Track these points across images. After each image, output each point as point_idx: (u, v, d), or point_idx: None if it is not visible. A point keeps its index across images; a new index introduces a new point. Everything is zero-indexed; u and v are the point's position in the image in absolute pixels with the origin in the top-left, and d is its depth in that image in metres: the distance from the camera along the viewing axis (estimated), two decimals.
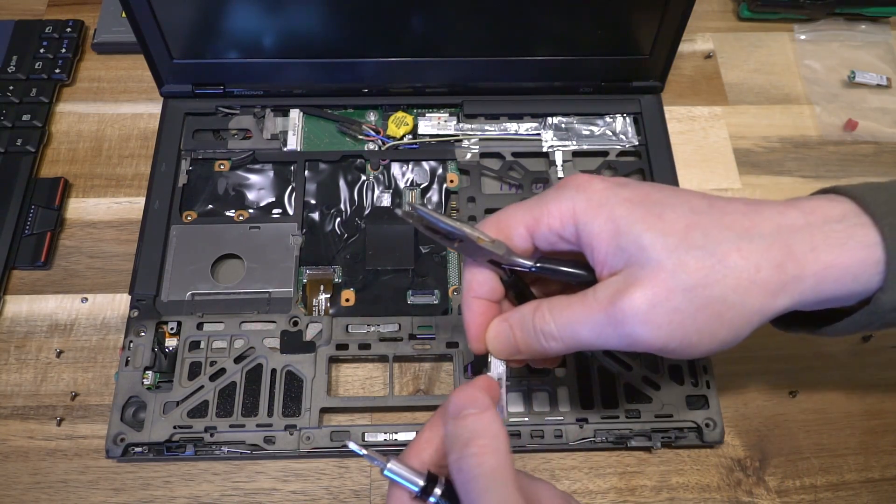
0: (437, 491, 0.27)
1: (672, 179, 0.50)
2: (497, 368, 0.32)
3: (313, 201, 0.49)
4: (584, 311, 0.29)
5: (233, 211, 0.48)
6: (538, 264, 0.31)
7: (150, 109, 0.54)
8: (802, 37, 0.59)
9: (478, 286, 0.32)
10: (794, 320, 0.32)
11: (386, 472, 0.27)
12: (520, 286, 0.33)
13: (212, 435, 0.41)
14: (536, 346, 0.30)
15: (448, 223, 0.30)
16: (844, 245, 0.28)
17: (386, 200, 0.49)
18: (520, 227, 0.31)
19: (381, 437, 0.41)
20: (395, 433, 0.41)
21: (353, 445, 0.28)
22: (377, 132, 0.51)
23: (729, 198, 0.30)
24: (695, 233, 0.28)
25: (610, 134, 0.52)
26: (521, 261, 0.31)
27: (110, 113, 0.54)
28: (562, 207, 0.30)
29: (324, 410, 0.42)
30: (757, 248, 0.28)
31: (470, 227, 0.31)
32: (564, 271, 0.31)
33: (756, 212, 0.29)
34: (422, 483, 0.27)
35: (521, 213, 0.31)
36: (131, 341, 0.43)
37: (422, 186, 0.50)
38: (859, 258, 0.28)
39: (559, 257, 0.32)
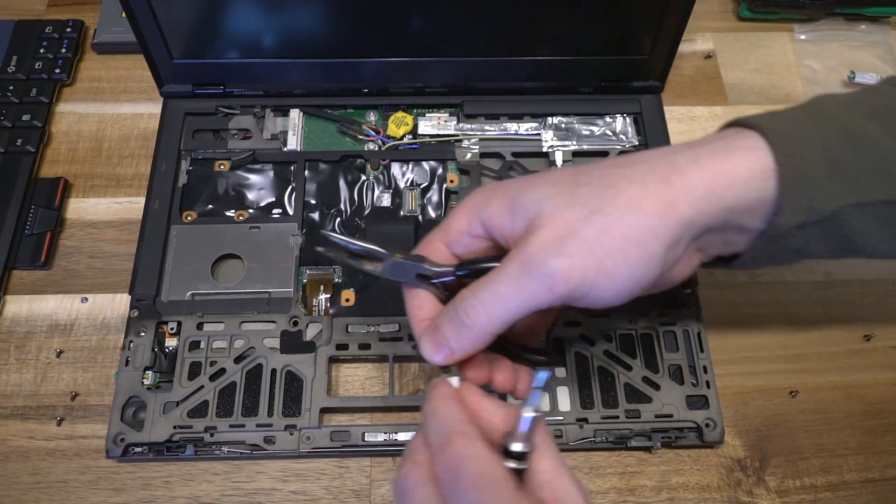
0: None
1: None
2: (452, 380, 0.31)
3: (313, 201, 0.49)
4: (497, 271, 0.29)
5: (233, 211, 0.48)
6: (460, 269, 0.32)
7: (150, 109, 0.54)
8: (802, 37, 0.59)
9: (417, 309, 0.33)
10: (718, 259, 0.34)
11: (525, 417, 0.26)
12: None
13: (212, 435, 0.41)
14: (462, 328, 0.30)
15: (363, 245, 0.32)
16: (726, 153, 0.29)
17: (386, 200, 0.49)
18: (435, 243, 0.33)
19: (381, 437, 0.41)
20: (395, 433, 0.41)
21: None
22: (377, 132, 0.51)
23: (620, 156, 0.32)
24: (582, 177, 0.30)
25: (610, 134, 0.52)
26: (443, 269, 0.32)
27: (110, 113, 0.54)
28: (464, 211, 0.32)
29: (324, 410, 0.42)
30: (640, 169, 0.30)
31: (382, 251, 0.32)
32: (484, 266, 0.31)
33: (642, 151, 0.31)
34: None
35: (435, 231, 0.33)
36: (131, 341, 0.43)
37: (422, 186, 0.50)
38: (745, 164, 0.29)
39: (481, 259, 0.32)
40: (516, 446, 0.26)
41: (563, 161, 0.50)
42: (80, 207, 0.50)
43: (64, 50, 0.55)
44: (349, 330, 0.44)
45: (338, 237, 0.33)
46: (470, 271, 0.32)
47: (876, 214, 0.30)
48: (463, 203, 0.32)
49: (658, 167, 0.29)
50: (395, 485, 0.28)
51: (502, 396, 0.40)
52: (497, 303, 0.29)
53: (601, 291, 0.29)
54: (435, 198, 0.50)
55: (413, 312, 0.33)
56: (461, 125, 0.52)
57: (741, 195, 0.29)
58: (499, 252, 0.31)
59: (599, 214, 0.28)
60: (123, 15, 0.48)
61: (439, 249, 0.33)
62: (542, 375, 0.28)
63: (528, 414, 0.26)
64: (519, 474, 0.27)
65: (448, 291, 0.32)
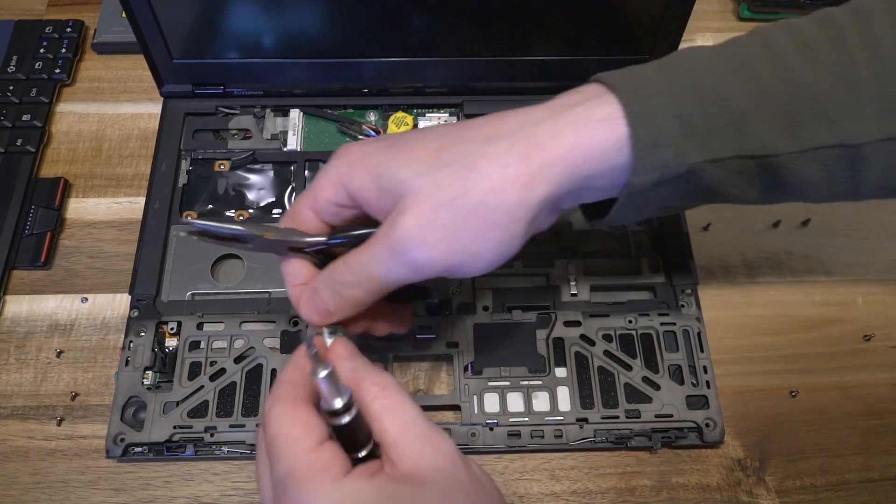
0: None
1: None
2: (325, 335, 0.33)
3: None
4: (369, 251, 0.30)
5: (233, 211, 0.48)
6: (332, 238, 0.33)
7: (150, 109, 0.54)
8: None
9: (292, 276, 0.34)
10: (593, 214, 0.34)
11: (319, 379, 0.26)
12: None
13: (212, 435, 0.41)
14: (340, 298, 0.31)
15: (229, 228, 0.32)
16: (584, 126, 0.30)
17: None
18: (305, 210, 0.33)
19: None
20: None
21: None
22: (377, 132, 0.51)
23: (477, 118, 0.32)
24: (444, 153, 0.30)
25: None
26: (313, 239, 0.33)
27: (110, 113, 0.54)
28: (330, 178, 0.32)
29: None
30: (500, 148, 0.30)
31: (253, 225, 0.32)
32: (356, 234, 0.32)
33: (500, 118, 0.31)
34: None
35: (303, 198, 0.33)
36: (131, 341, 0.43)
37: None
38: (602, 136, 0.30)
39: (354, 225, 0.33)
40: (324, 405, 0.27)
41: None
42: (80, 207, 0.50)
43: (64, 50, 0.55)
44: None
45: (204, 223, 0.32)
46: (342, 240, 0.33)
47: (730, 168, 0.31)
48: (328, 169, 0.32)
49: (518, 144, 0.30)
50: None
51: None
52: (370, 282, 0.31)
53: (468, 270, 0.31)
54: None
55: (288, 280, 0.34)
56: None
57: (598, 165, 0.30)
58: (368, 219, 0.32)
59: (462, 200, 0.29)
60: (123, 15, 0.48)
61: (309, 217, 0.33)
62: (311, 333, 0.28)
63: (321, 375, 0.26)
64: (350, 431, 0.27)
65: (322, 255, 0.33)
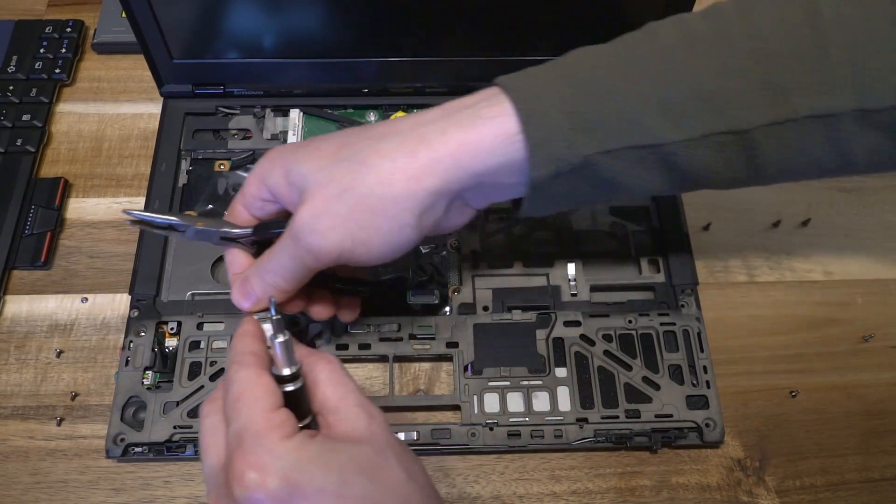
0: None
1: None
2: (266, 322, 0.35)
3: None
4: (280, 242, 0.34)
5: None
6: (256, 231, 0.36)
7: (150, 109, 0.54)
8: None
9: (232, 265, 0.37)
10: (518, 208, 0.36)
11: (276, 343, 0.30)
12: None
13: None
14: (265, 284, 0.35)
15: (164, 218, 0.35)
16: (472, 124, 0.32)
17: None
18: (237, 206, 0.36)
19: None
20: (396, 433, 0.41)
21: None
22: None
23: (390, 121, 0.34)
24: (343, 150, 0.33)
25: None
26: (241, 232, 0.36)
27: (110, 113, 0.54)
28: (254, 177, 0.35)
29: None
30: (391, 145, 0.32)
31: (187, 216, 0.36)
32: (276, 231, 0.35)
33: (400, 120, 0.34)
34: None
35: (237, 196, 0.37)
36: (131, 341, 0.43)
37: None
38: (489, 132, 0.32)
39: (272, 222, 0.36)
40: (276, 371, 0.31)
41: None
42: (80, 207, 0.50)
43: (64, 50, 0.55)
44: (349, 330, 0.44)
45: (140, 213, 0.35)
46: (265, 233, 0.36)
47: (626, 158, 0.33)
48: (255, 167, 0.35)
49: (408, 141, 0.32)
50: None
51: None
52: (284, 269, 0.34)
53: (362, 256, 0.33)
54: None
55: (229, 268, 0.38)
56: None
57: (488, 161, 0.32)
58: (290, 213, 0.34)
59: (351, 192, 0.32)
60: (123, 15, 0.48)
61: (241, 212, 0.36)
62: (272, 318, 0.31)
63: (280, 339, 0.30)
64: (298, 397, 0.31)
65: (257, 247, 0.37)
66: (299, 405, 0.31)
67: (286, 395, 0.30)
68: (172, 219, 0.35)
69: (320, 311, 0.39)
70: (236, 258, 0.37)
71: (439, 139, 0.32)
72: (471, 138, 0.32)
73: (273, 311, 0.31)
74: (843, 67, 0.31)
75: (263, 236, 0.36)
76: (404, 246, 0.33)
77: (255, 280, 0.35)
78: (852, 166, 0.34)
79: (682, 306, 0.45)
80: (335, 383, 0.32)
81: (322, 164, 0.33)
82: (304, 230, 0.32)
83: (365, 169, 0.32)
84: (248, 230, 0.36)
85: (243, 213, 0.36)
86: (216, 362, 0.43)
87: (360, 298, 0.42)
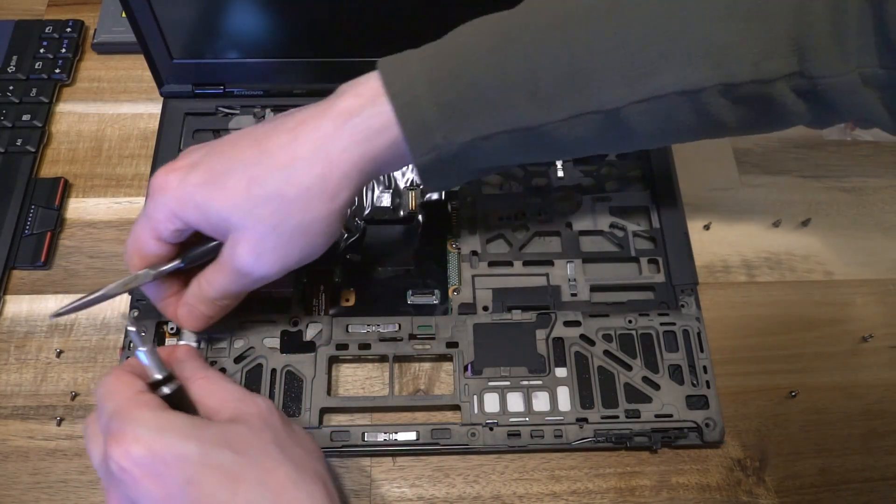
0: (167, 390, 0.33)
1: (672, 179, 0.50)
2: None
3: None
4: (223, 275, 0.36)
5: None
6: (184, 261, 0.38)
7: (150, 109, 0.54)
8: None
9: (156, 295, 0.40)
10: None
11: (138, 353, 0.33)
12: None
13: None
14: (214, 307, 0.38)
15: (95, 296, 0.38)
16: (367, 139, 0.34)
17: (386, 200, 0.49)
18: (147, 239, 0.37)
19: (381, 437, 0.41)
20: (395, 433, 0.41)
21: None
22: None
23: (275, 131, 0.35)
24: (254, 187, 0.34)
25: None
26: (172, 265, 0.38)
27: (110, 113, 0.54)
28: (163, 213, 0.36)
29: (324, 410, 0.42)
30: (301, 173, 0.34)
31: (114, 285, 0.38)
32: (204, 252, 0.38)
33: (295, 140, 0.35)
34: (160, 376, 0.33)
35: (143, 227, 0.37)
36: (131, 341, 0.43)
37: (422, 186, 0.50)
38: (383, 142, 0.34)
39: (200, 248, 0.38)
40: (147, 377, 0.33)
41: (563, 161, 0.50)
42: (80, 207, 0.50)
43: (64, 50, 0.55)
44: (349, 330, 0.44)
45: (68, 307, 0.38)
46: (196, 261, 0.38)
47: (503, 140, 0.35)
48: (159, 203, 0.35)
49: (315, 165, 0.34)
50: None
51: None
52: (232, 294, 0.38)
53: (301, 264, 0.37)
54: (435, 197, 0.49)
55: (155, 299, 0.40)
56: None
57: (388, 159, 0.35)
58: (203, 236, 0.37)
59: (281, 228, 0.34)
60: (123, 15, 0.48)
61: (151, 243, 0.37)
62: (131, 331, 0.33)
63: (141, 349, 0.32)
64: (179, 398, 0.33)
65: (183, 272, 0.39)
66: (183, 407, 0.33)
67: (165, 398, 0.32)
68: (102, 295, 0.38)
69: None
70: (158, 291, 0.40)
71: (343, 157, 0.34)
72: (368, 150, 0.34)
73: (131, 325, 0.36)
74: (704, 43, 0.33)
75: (195, 264, 0.38)
76: (335, 239, 0.37)
77: (204, 306, 0.38)
78: (725, 130, 0.36)
79: (682, 306, 0.45)
80: (210, 392, 0.34)
81: (238, 204, 0.34)
82: (247, 267, 0.35)
83: (286, 204, 0.34)
84: (179, 263, 0.38)
85: (154, 243, 0.37)
86: (216, 362, 0.43)
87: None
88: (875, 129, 0.54)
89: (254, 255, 0.35)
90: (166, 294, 0.40)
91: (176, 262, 0.38)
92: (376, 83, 0.35)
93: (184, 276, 0.39)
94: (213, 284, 0.37)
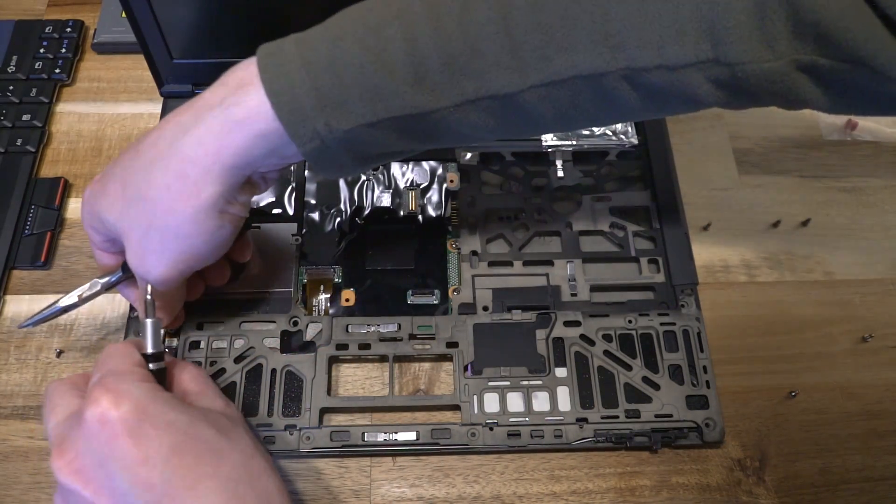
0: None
1: (672, 179, 0.50)
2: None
3: (313, 201, 0.49)
4: (137, 279, 0.37)
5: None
6: (122, 270, 0.39)
7: (150, 109, 0.54)
8: None
9: (129, 298, 0.42)
10: None
11: (146, 321, 0.36)
12: None
13: None
14: (165, 305, 0.40)
15: (51, 311, 0.39)
16: (224, 130, 0.32)
17: (386, 200, 0.49)
18: (95, 251, 0.39)
19: (381, 437, 0.41)
20: (395, 433, 0.41)
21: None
22: None
23: (153, 129, 0.35)
24: (127, 190, 0.34)
25: (610, 134, 0.52)
26: (115, 277, 0.39)
27: (110, 113, 0.54)
28: (86, 224, 0.37)
29: (324, 410, 0.42)
30: (160, 172, 0.33)
31: (68, 295, 0.39)
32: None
33: (161, 136, 0.34)
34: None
35: (91, 244, 0.38)
36: (138, 331, 0.43)
37: (422, 186, 0.50)
38: (249, 135, 0.32)
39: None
40: (142, 349, 0.35)
41: (563, 161, 0.50)
42: (79, 207, 0.50)
43: (64, 50, 0.55)
44: (349, 330, 0.44)
45: (33, 320, 0.40)
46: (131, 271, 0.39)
47: (391, 128, 0.33)
48: (83, 218, 0.37)
49: (172, 163, 0.33)
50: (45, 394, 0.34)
51: None
52: (159, 295, 0.38)
53: (202, 265, 0.36)
54: (435, 198, 0.50)
55: (130, 301, 0.42)
56: None
57: (254, 152, 0.33)
58: None
59: (152, 230, 0.34)
60: (123, 15, 0.48)
61: (98, 254, 0.39)
62: (148, 299, 0.36)
63: (150, 319, 0.36)
64: (162, 378, 0.36)
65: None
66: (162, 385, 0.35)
67: (151, 373, 0.35)
68: (58, 306, 0.39)
69: (215, 278, 0.43)
70: (129, 292, 0.41)
71: (199, 151, 0.32)
72: (226, 142, 0.32)
73: (149, 295, 0.37)
74: (603, 24, 0.30)
75: (132, 274, 0.39)
76: (226, 238, 0.36)
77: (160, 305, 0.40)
78: (636, 114, 0.34)
79: (682, 306, 0.45)
80: (197, 378, 0.37)
81: (116, 209, 0.35)
82: (140, 272, 0.36)
83: (150, 205, 0.33)
84: (120, 273, 0.39)
85: (101, 255, 0.39)
86: (216, 362, 0.43)
87: (227, 268, 0.43)
88: (875, 128, 0.54)
89: (138, 258, 0.35)
90: (134, 295, 0.41)
91: (118, 274, 0.39)
92: (250, 70, 0.33)
93: None
94: (140, 288, 0.38)
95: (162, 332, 0.43)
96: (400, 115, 0.32)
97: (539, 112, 0.33)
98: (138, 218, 0.34)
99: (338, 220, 0.48)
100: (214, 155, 0.32)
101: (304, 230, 0.48)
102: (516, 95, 0.32)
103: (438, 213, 0.49)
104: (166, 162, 0.33)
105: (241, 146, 0.32)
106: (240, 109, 0.32)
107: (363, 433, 0.41)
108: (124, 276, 0.39)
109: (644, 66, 0.30)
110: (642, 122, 0.52)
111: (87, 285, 0.39)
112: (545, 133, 0.35)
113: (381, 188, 0.50)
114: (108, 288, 0.39)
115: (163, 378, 0.36)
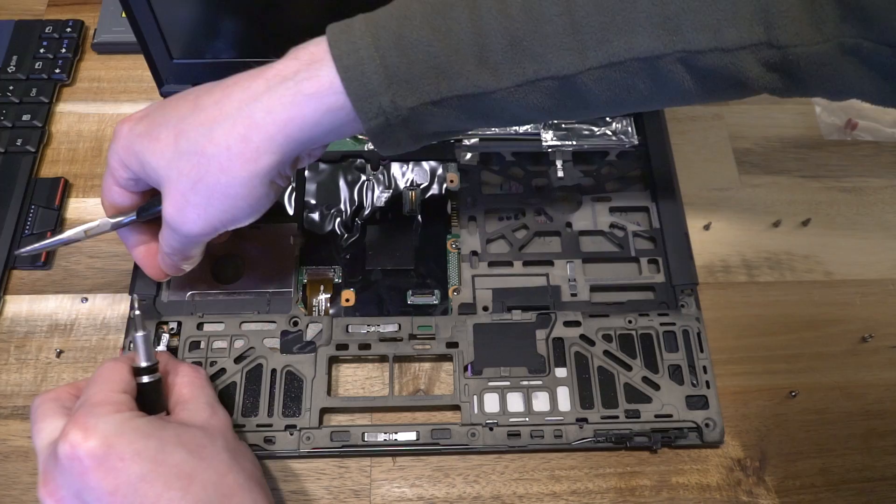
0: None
1: (672, 179, 0.50)
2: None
3: (313, 201, 0.49)
4: (164, 230, 0.37)
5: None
6: (140, 215, 0.39)
7: None
8: None
9: (128, 243, 0.41)
10: None
11: (136, 336, 0.36)
12: None
13: None
14: (172, 263, 0.39)
15: (58, 239, 0.40)
16: (294, 103, 0.33)
17: (386, 200, 0.49)
18: (113, 187, 0.38)
19: (381, 437, 0.41)
20: (395, 433, 0.41)
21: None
22: None
23: (214, 88, 0.35)
24: (181, 141, 0.34)
25: (610, 134, 0.52)
26: (127, 218, 0.39)
27: (110, 113, 0.54)
28: (115, 161, 0.36)
29: (324, 410, 0.42)
30: (223, 131, 0.33)
31: (76, 230, 0.39)
32: (152, 204, 0.38)
33: (227, 95, 0.34)
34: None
35: (105, 178, 0.38)
36: (131, 341, 0.43)
37: (422, 186, 0.50)
38: (312, 108, 0.33)
39: (152, 203, 0.38)
40: (134, 364, 0.35)
41: (563, 161, 0.50)
42: (80, 207, 0.50)
43: (64, 50, 0.55)
44: (349, 330, 0.44)
45: (34, 246, 0.40)
46: (148, 215, 0.39)
47: (455, 107, 0.34)
48: (112, 151, 0.36)
49: (238, 124, 0.33)
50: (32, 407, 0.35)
51: None
52: (177, 250, 0.37)
53: (236, 225, 0.36)
54: (435, 198, 0.49)
55: (128, 245, 0.41)
56: None
57: (318, 129, 0.34)
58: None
59: (201, 184, 0.34)
60: (123, 15, 0.48)
61: (117, 192, 0.38)
62: (137, 315, 0.37)
63: (139, 334, 0.36)
64: (154, 390, 0.36)
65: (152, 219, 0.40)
66: (154, 399, 0.35)
67: (141, 386, 0.35)
68: (65, 238, 0.40)
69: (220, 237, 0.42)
70: (130, 237, 0.41)
71: (266, 119, 0.33)
72: (295, 114, 0.33)
73: (136, 309, 0.37)
74: (661, 7, 0.31)
75: (147, 218, 0.39)
76: (266, 207, 0.36)
77: (163, 261, 0.39)
78: (690, 98, 0.35)
79: (682, 306, 0.45)
80: (192, 384, 0.37)
81: (166, 157, 0.34)
82: (174, 223, 0.35)
83: (206, 160, 0.33)
84: (133, 216, 0.39)
85: (120, 192, 0.38)
86: (216, 362, 0.43)
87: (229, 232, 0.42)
88: (875, 128, 0.54)
89: (176, 209, 0.35)
90: (136, 242, 0.41)
91: (131, 216, 0.39)
92: (321, 47, 0.34)
93: (157, 227, 0.40)
94: (161, 239, 0.38)
95: (154, 342, 0.43)
96: (462, 93, 0.33)
97: (594, 93, 0.34)
98: (189, 171, 0.34)
99: (338, 220, 0.48)
100: (282, 124, 0.33)
101: (304, 230, 0.48)
102: (575, 77, 0.33)
103: (438, 213, 0.49)
104: (231, 123, 0.33)
105: (308, 119, 0.33)
106: (311, 84, 0.33)
107: (363, 433, 0.41)
108: (137, 219, 0.39)
109: (700, 49, 0.32)
110: (642, 122, 0.52)
111: (96, 222, 0.39)
112: (597, 115, 0.38)
113: (381, 188, 0.50)
114: (116, 228, 0.39)
115: (157, 389, 0.36)
